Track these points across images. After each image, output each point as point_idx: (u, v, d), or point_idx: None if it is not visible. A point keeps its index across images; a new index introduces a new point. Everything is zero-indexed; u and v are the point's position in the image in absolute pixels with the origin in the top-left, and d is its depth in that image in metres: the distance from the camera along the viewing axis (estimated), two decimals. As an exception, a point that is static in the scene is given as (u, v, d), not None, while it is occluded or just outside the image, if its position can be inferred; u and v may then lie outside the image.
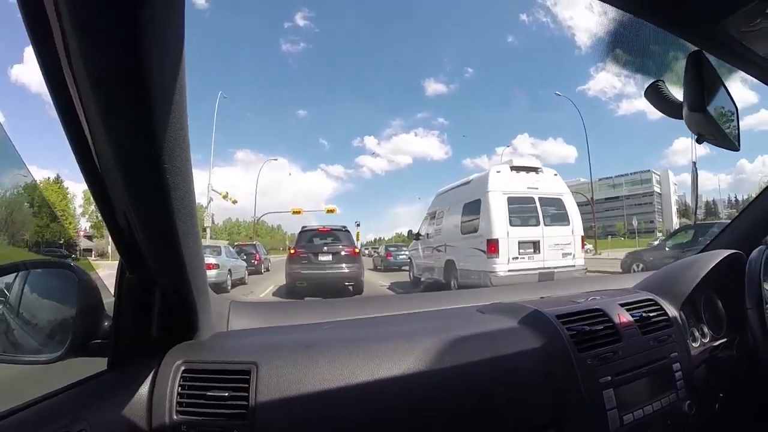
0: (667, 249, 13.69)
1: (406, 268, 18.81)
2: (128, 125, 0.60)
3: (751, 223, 1.87)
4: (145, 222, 0.77)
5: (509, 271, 9.32)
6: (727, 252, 1.57)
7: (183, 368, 0.98)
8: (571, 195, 10.81)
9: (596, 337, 1.20)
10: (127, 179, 0.68)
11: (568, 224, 10.25)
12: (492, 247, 9.46)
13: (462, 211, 10.92)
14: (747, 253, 1.46)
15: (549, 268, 9.58)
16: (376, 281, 14.96)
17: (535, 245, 9.83)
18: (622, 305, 1.33)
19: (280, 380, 0.96)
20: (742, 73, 1.08)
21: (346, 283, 11.35)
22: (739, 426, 1.45)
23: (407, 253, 19.06)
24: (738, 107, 1.06)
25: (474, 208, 10.39)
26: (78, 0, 0.48)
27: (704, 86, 0.91)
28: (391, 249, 22.94)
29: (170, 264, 0.87)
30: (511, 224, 9.69)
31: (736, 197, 78.12)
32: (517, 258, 9.57)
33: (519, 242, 9.65)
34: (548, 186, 10.45)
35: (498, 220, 9.61)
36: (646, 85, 1.02)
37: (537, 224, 9.98)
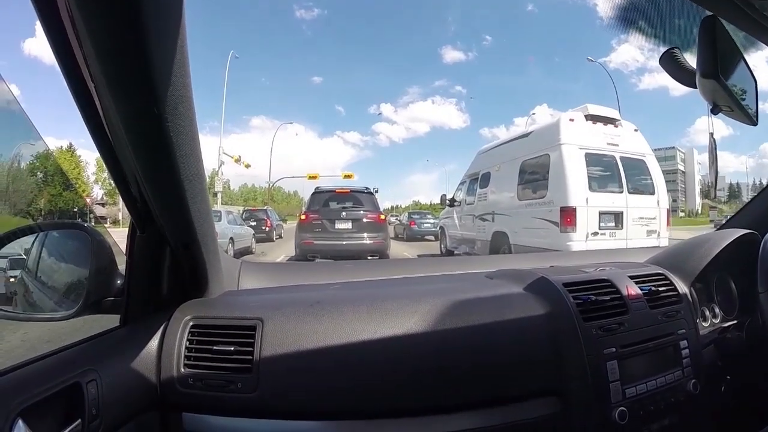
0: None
1: (431, 237, 17.33)
2: (132, 89, 0.64)
3: None
4: (153, 181, 0.81)
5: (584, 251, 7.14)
6: (741, 231, 1.53)
7: (191, 324, 1.02)
8: (654, 157, 8.57)
9: (603, 308, 1.16)
10: (133, 140, 0.72)
11: (654, 194, 8.15)
12: (568, 217, 7.32)
13: (519, 170, 8.80)
14: (763, 235, 1.35)
15: (629, 248, 7.41)
16: (402, 254, 13.20)
17: (618, 218, 7.71)
18: (631, 277, 1.28)
19: (284, 336, 0.98)
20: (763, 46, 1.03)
21: (369, 257, 9.19)
22: (743, 410, 1.40)
23: (434, 221, 17.61)
24: (757, 81, 1.01)
25: (538, 166, 8.25)
26: None
27: (718, 53, 0.86)
28: (415, 216, 21.82)
29: (178, 222, 0.90)
30: (591, 189, 7.55)
31: (760, 181, 75.37)
32: (597, 234, 7.44)
33: (600, 213, 7.53)
34: (629, 144, 8.26)
35: (575, 183, 7.45)
36: (662, 53, 0.99)
37: (620, 191, 7.83)
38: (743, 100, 0.96)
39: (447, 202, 12.12)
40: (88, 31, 0.56)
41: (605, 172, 7.88)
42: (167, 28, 0.59)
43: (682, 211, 74.70)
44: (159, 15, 0.57)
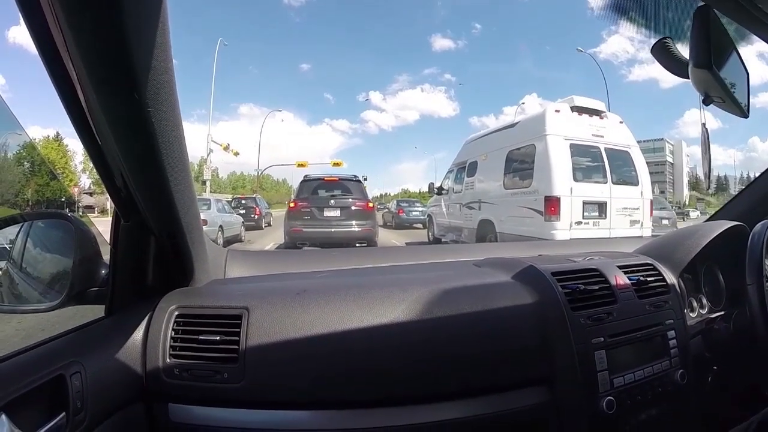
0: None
1: (419, 225, 17.49)
2: (112, 75, 0.63)
3: (759, 197, 1.80)
4: (135, 169, 0.80)
5: (571, 240, 7.24)
6: (730, 223, 1.51)
7: (177, 313, 1.01)
8: (639, 149, 8.65)
9: (591, 297, 1.16)
10: (115, 127, 0.71)
11: (637, 184, 8.24)
12: (552, 206, 7.42)
13: (506, 160, 8.87)
14: (751, 227, 1.36)
15: (615, 238, 7.54)
16: (390, 241, 13.32)
17: (601, 208, 7.80)
18: (619, 267, 1.28)
19: (270, 325, 0.97)
20: (757, 40, 1.03)
21: (357, 245, 9.28)
22: (730, 400, 1.42)
23: (422, 209, 17.71)
24: (749, 73, 1.01)
25: (524, 155, 8.33)
26: None
27: (711, 43, 0.85)
28: (404, 204, 21.94)
29: (162, 211, 0.89)
30: (575, 179, 7.64)
31: (748, 174, 75.96)
32: (580, 223, 7.54)
33: (584, 203, 7.62)
34: (614, 135, 8.34)
35: (559, 173, 7.53)
36: (654, 42, 0.98)
37: (604, 181, 7.93)
38: (735, 91, 0.95)
39: (435, 190, 12.18)
40: (67, 16, 0.55)
41: (590, 162, 7.97)
42: (147, 12, 0.58)
43: (670, 202, 75.20)
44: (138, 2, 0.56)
